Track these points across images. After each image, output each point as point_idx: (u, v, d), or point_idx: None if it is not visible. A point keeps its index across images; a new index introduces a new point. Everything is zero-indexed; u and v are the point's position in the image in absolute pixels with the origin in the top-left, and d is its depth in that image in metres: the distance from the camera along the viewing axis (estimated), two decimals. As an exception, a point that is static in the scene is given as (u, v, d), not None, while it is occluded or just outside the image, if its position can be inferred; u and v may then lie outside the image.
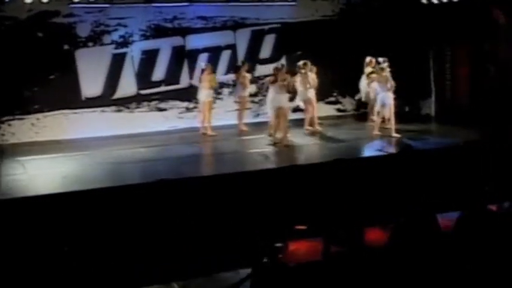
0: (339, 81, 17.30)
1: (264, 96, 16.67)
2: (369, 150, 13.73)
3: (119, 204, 9.76)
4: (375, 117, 15.13)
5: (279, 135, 14.01)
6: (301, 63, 14.78)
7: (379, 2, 17.01)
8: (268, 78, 14.64)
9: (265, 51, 17.05)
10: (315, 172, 11.30)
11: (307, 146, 14.03)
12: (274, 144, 13.87)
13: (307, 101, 15.15)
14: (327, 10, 17.52)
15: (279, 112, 13.92)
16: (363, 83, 16.08)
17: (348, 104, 18.06)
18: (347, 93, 17.72)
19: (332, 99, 17.70)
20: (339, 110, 17.99)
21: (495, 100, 15.11)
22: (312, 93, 15.15)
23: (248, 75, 15.65)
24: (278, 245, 7.04)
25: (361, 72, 16.04)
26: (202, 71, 15.27)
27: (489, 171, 11.41)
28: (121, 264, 8.51)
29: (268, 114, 14.81)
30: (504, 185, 9.81)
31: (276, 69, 14.28)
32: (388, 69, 14.40)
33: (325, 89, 16.40)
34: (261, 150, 13.48)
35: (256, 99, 16.78)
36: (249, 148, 13.89)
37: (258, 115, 16.79)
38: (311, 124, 15.36)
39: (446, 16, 15.88)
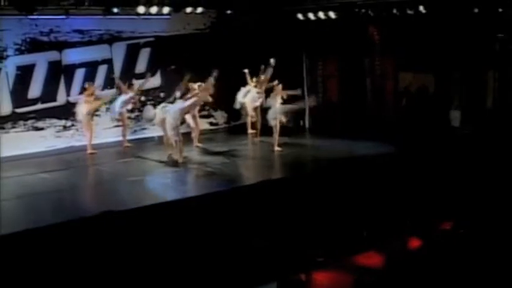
0: (210, 95, 17.15)
1: (140, 111, 16.29)
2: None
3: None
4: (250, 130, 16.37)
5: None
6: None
7: (251, 16, 17.18)
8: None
9: (141, 65, 16.54)
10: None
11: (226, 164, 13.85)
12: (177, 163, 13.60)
13: (195, 117, 15.02)
14: (199, 23, 17.42)
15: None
16: (240, 94, 16.21)
17: (220, 117, 18.08)
18: (219, 107, 17.70)
19: (204, 113, 17.53)
20: (211, 123, 17.94)
21: (373, 110, 16.12)
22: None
23: (129, 91, 15.11)
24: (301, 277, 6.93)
25: (233, 85, 16.15)
26: (83, 89, 14.58)
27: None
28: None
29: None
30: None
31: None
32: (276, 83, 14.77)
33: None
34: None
35: (132, 115, 16.22)
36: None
37: (135, 131, 16.30)
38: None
39: (321, 31, 16.49)
